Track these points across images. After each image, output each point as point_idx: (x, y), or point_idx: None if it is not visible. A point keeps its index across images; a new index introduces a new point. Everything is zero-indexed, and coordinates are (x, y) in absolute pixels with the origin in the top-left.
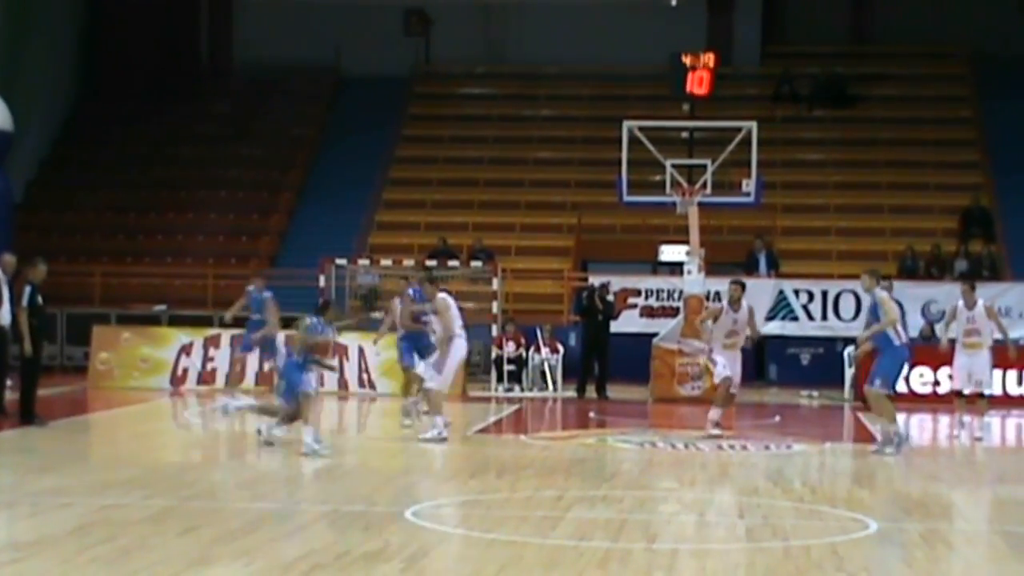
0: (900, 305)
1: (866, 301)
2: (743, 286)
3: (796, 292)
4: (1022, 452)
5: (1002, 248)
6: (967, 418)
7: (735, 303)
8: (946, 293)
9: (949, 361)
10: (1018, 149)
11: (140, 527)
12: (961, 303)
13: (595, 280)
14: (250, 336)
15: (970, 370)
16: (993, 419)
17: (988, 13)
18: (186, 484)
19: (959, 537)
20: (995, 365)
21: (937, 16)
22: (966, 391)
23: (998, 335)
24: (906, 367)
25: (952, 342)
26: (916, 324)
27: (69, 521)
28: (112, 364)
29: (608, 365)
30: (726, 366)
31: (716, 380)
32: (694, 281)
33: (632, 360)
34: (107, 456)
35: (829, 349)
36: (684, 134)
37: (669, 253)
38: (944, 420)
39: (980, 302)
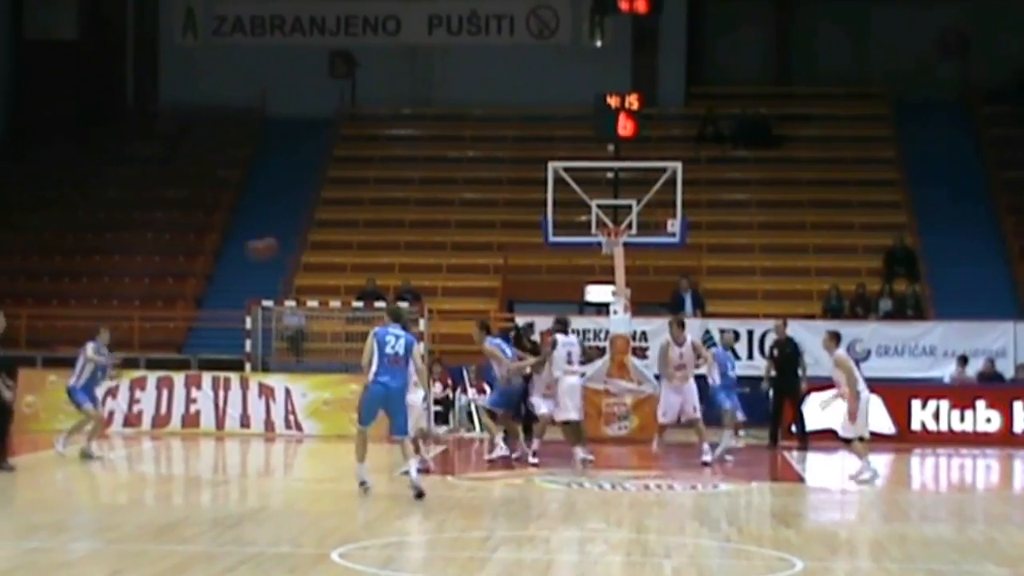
0: None
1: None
2: None
3: (722, 331)
4: (948, 492)
5: (926, 287)
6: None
7: None
8: (871, 332)
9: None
10: (939, 189)
11: (65, 571)
12: None
13: (520, 320)
14: None
15: None
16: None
17: (908, 55)
18: (112, 527)
19: None
20: None
21: (858, 58)
22: None
23: None
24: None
25: None
26: None
27: None
28: (38, 407)
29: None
30: None
31: None
32: (620, 321)
33: None
34: (32, 499)
35: (755, 388)
36: (609, 175)
37: (595, 293)
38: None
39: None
